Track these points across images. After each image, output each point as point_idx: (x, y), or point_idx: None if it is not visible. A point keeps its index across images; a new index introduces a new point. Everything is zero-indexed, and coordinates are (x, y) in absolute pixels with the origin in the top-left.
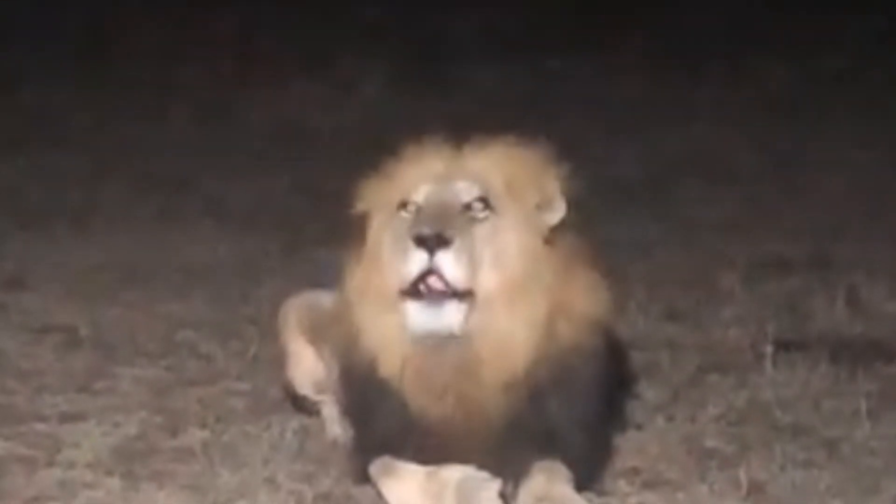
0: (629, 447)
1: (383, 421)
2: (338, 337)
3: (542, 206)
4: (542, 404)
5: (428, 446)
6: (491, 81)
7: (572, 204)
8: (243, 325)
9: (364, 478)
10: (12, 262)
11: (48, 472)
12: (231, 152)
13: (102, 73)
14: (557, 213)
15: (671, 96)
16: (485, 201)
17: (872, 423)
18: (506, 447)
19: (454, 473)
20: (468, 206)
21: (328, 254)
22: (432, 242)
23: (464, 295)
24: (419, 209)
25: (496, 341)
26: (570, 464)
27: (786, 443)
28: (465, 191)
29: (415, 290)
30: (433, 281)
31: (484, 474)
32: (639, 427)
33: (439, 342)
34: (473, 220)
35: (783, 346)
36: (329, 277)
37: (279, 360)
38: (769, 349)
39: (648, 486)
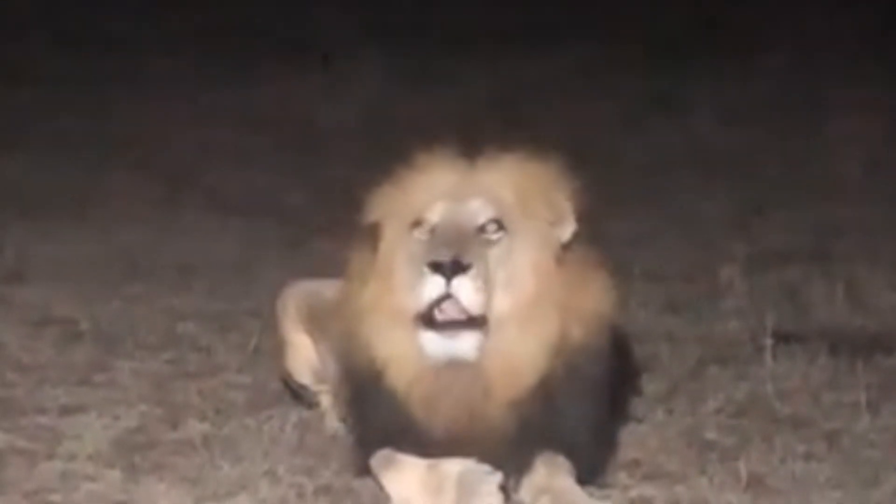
0: (629, 440)
1: (385, 418)
2: (339, 333)
3: (555, 222)
4: (550, 403)
5: (429, 445)
6: (492, 74)
7: (583, 218)
8: (244, 318)
9: (365, 470)
10: (12, 254)
11: (49, 465)
12: (231, 145)
13: (103, 66)
14: (568, 229)
15: (671, 90)
16: (498, 222)
17: (872, 415)
18: (510, 444)
19: (455, 466)
20: (482, 228)
21: (329, 246)
22: (449, 269)
23: (479, 322)
24: (433, 230)
25: (508, 362)
26: (574, 458)
27: (786, 435)
28: (480, 212)
29: (429, 318)
30: (448, 307)
31: (485, 467)
32: (639, 420)
33: (450, 363)
34: (488, 242)
35: (783, 338)
36: (330, 270)
37: (277, 350)
38: (769, 342)
39: (648, 478)
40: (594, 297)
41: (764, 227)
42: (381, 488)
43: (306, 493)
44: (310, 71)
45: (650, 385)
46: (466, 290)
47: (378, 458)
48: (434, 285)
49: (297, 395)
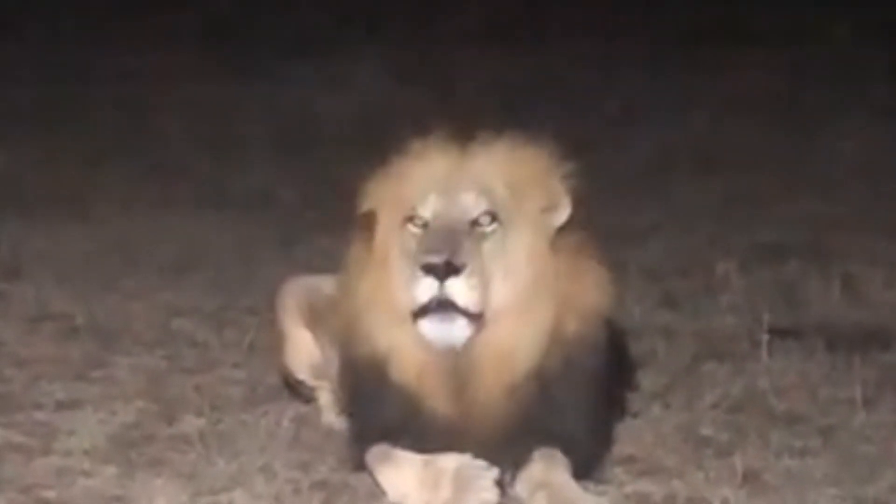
0: (625, 435)
1: (385, 414)
2: (338, 327)
3: (549, 208)
4: (546, 395)
5: (429, 436)
6: (488, 72)
7: (577, 202)
8: (240, 314)
9: (361, 466)
10: (9, 250)
11: (45, 460)
12: (228, 140)
13: (99, 61)
14: (563, 214)
15: (667, 85)
16: (492, 214)
17: (868, 410)
18: (509, 439)
19: (451, 462)
20: (475, 222)
21: (326, 242)
22: (441, 271)
23: (474, 317)
24: (426, 226)
25: (505, 350)
26: (570, 453)
27: (782, 430)
28: (473, 205)
29: (424, 310)
30: (443, 304)
31: (481, 463)
32: (635, 415)
33: (451, 350)
34: (482, 235)
35: (779, 334)
36: (327, 265)
37: (275, 345)
38: (765, 337)
39: (644, 473)
40: (590, 291)
41: (761, 222)
42: (378, 484)
43: (302, 489)
44: (307, 66)
45: (646, 380)
46: (460, 291)
47: (374, 454)
48: (427, 287)
49: (295, 390)
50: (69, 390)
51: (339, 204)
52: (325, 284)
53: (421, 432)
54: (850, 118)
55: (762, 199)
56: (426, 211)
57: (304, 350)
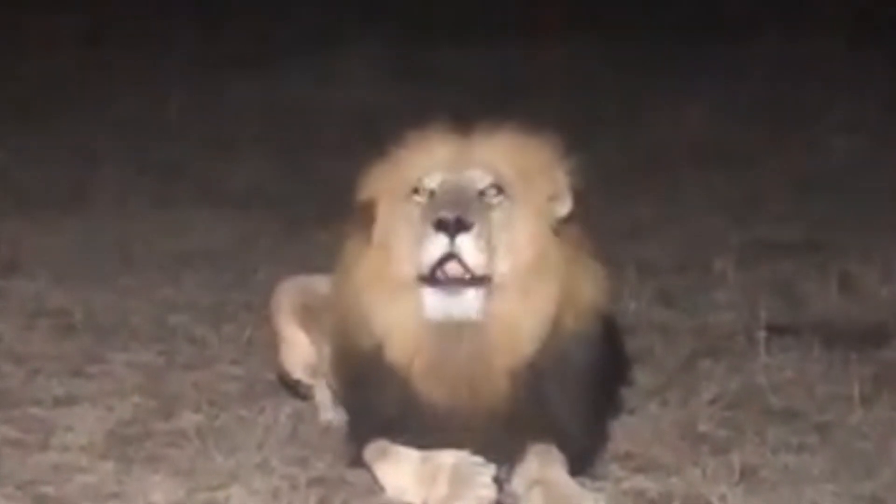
0: (622, 432)
1: (382, 404)
2: (334, 320)
3: (552, 198)
4: (543, 390)
5: (427, 429)
6: (484, 65)
7: (578, 197)
8: (237, 310)
9: (358, 462)
10: (6, 246)
11: (42, 456)
12: (225, 136)
13: (96, 57)
14: (565, 206)
15: (664, 80)
16: (498, 187)
17: (865, 407)
18: (505, 432)
19: (448, 458)
20: (482, 193)
21: (323, 238)
22: (453, 226)
23: (481, 280)
24: (433, 194)
25: (507, 327)
26: (566, 448)
27: (779, 427)
28: (479, 178)
29: (432, 277)
30: (451, 267)
31: (478, 459)
32: (632, 412)
33: (452, 329)
34: (489, 206)
35: (776, 330)
36: (323, 261)
37: (272, 345)
38: (762, 334)
39: (641, 470)
40: (587, 287)
41: (758, 218)
42: (375, 479)
43: (300, 485)
44: (303, 63)
45: (643, 377)
46: (470, 249)
47: (372, 450)
48: (438, 243)
49: (292, 390)
50: (66, 386)
51: (336, 200)
52: (320, 284)
53: (417, 419)
54: (849, 115)
55: (760, 196)
56: (432, 182)
57: (299, 350)
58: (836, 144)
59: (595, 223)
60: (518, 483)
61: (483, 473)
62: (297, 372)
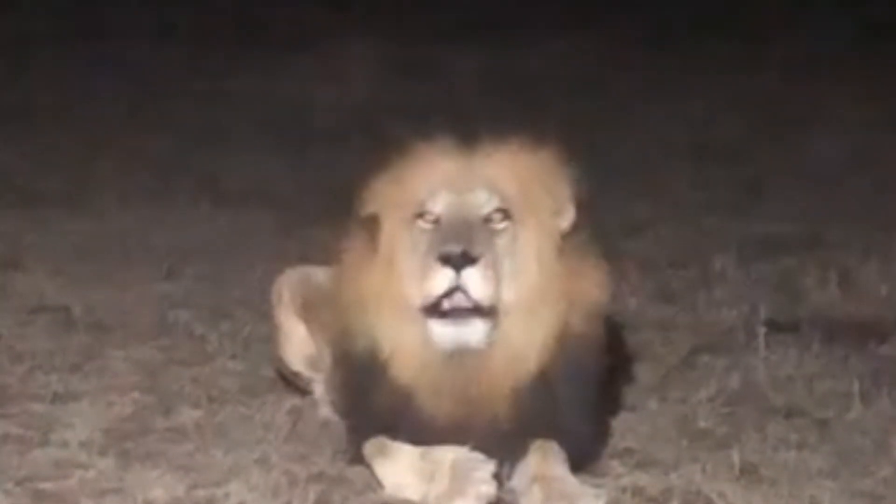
0: (622, 428)
1: (381, 407)
2: (334, 322)
3: (556, 211)
4: (547, 391)
5: (427, 434)
6: (484, 65)
7: (580, 204)
8: (236, 306)
9: (357, 458)
10: (5, 242)
11: (41, 452)
12: (224, 132)
13: (95, 52)
14: (568, 218)
15: (664, 77)
16: (504, 212)
17: (865, 404)
18: (507, 434)
19: (448, 454)
20: (487, 218)
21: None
22: (458, 261)
23: (487, 311)
24: (439, 221)
25: (513, 351)
26: (568, 446)
27: (778, 424)
28: (485, 202)
29: (438, 308)
30: (458, 298)
31: (478, 455)
32: (631, 408)
33: (457, 352)
34: (494, 232)
35: (776, 327)
36: (322, 257)
37: (271, 337)
38: (762, 330)
39: (641, 466)
40: (591, 288)
41: (757, 215)
42: (374, 476)
43: (299, 481)
44: (302, 59)
45: (643, 373)
46: (476, 282)
47: (371, 446)
48: (443, 277)
49: (291, 382)
50: (65, 382)
51: (334, 197)
52: (320, 276)
53: (419, 429)
54: (848, 111)
55: (759, 193)
56: (437, 206)
57: (299, 342)
58: (836, 141)
59: (595, 221)
60: (518, 479)
61: (483, 469)
62: (297, 364)
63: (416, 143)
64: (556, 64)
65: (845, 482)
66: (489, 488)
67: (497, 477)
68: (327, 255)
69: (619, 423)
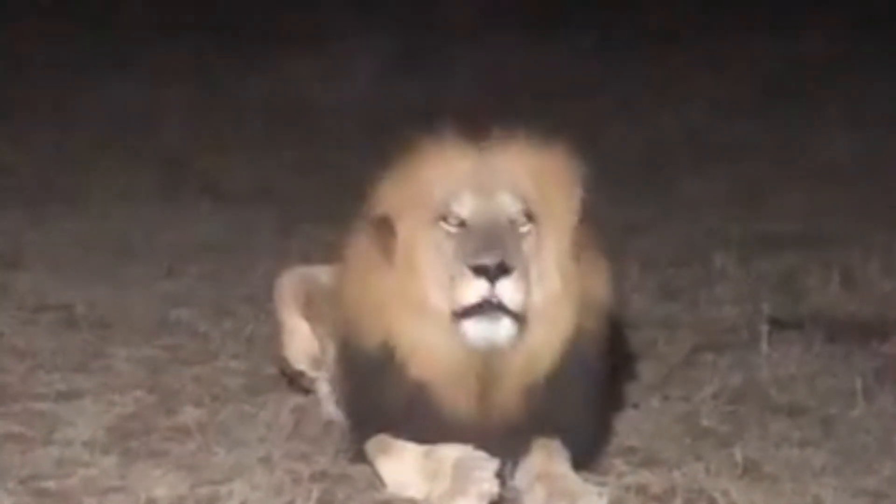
0: (625, 426)
1: (387, 404)
2: (341, 319)
3: (570, 211)
4: (554, 389)
5: (433, 431)
6: (485, 63)
7: (587, 201)
8: (239, 304)
9: (360, 456)
10: (7, 241)
11: (44, 451)
12: (227, 130)
13: (98, 50)
14: (578, 215)
15: (665, 75)
16: (528, 215)
17: (867, 401)
18: (513, 432)
19: (451, 453)
20: (513, 221)
21: (324, 232)
22: (494, 272)
23: (518, 317)
24: (465, 224)
25: (531, 352)
26: (572, 443)
27: (781, 421)
28: (509, 204)
29: (469, 311)
30: (490, 302)
31: (482, 454)
32: (634, 406)
33: (477, 353)
34: (521, 236)
35: (778, 324)
36: (325, 256)
37: (274, 336)
38: (764, 328)
39: (644, 464)
40: (597, 283)
41: (759, 212)
42: (377, 474)
43: (302, 479)
44: (304, 57)
45: (646, 371)
46: (510, 292)
47: (374, 444)
48: (477, 288)
49: (294, 382)
50: (68, 381)
51: (337, 195)
52: (322, 274)
53: (430, 427)
54: (850, 110)
55: (761, 190)
56: (462, 209)
57: (302, 340)
58: (838, 138)
59: (597, 220)
60: (521, 478)
61: (485, 468)
62: (300, 362)
63: (427, 141)
64: (557, 62)
65: (848, 480)
66: (491, 487)
67: (499, 475)
68: (330, 254)
69: (622, 422)
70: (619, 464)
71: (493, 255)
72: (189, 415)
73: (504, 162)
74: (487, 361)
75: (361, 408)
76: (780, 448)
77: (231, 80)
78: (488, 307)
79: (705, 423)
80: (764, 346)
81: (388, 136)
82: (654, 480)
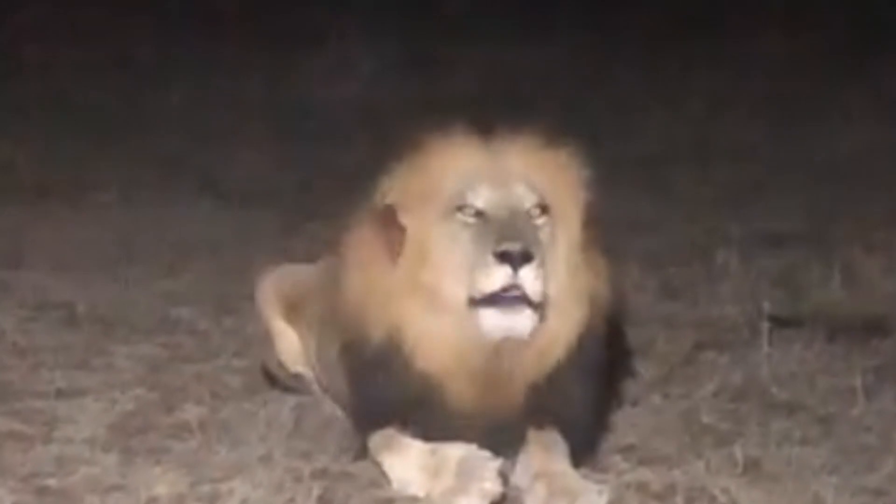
0: (625, 424)
1: (396, 395)
2: (342, 314)
3: (577, 206)
4: (557, 385)
5: (441, 422)
6: (487, 62)
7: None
8: (240, 302)
9: (363, 453)
10: (8, 239)
11: (45, 449)
12: (228, 128)
13: (99, 49)
14: (583, 210)
15: (666, 74)
16: (542, 206)
17: (868, 399)
18: (516, 426)
19: (455, 451)
20: (529, 213)
21: (325, 230)
22: (517, 258)
23: (536, 306)
24: (482, 215)
25: (542, 346)
26: (574, 440)
27: (781, 420)
28: (525, 196)
29: (490, 298)
30: (511, 291)
31: (485, 453)
32: (635, 403)
33: (489, 345)
34: (536, 228)
35: (779, 322)
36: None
37: (263, 342)
38: (765, 326)
39: (644, 462)
40: (598, 283)
41: (760, 210)
42: (380, 471)
43: (303, 477)
44: (305, 56)
45: (646, 369)
46: (531, 280)
47: (377, 440)
48: (501, 274)
49: (287, 386)
50: (69, 379)
51: (337, 192)
52: (303, 274)
53: (434, 419)
54: (850, 107)
55: (761, 188)
56: (479, 200)
57: (293, 342)
58: (839, 136)
59: (598, 218)
60: (521, 476)
61: (489, 467)
62: (297, 364)
63: (435, 136)
64: (559, 61)
65: (848, 478)
66: (494, 486)
67: (502, 474)
68: (328, 249)
69: (623, 419)
70: (618, 461)
71: (517, 242)
72: (190, 413)
73: (515, 155)
74: (498, 353)
75: (365, 401)
76: (781, 446)
77: (232, 78)
78: (509, 298)
79: (706, 420)
80: (764, 345)
81: (390, 136)
82: (653, 478)
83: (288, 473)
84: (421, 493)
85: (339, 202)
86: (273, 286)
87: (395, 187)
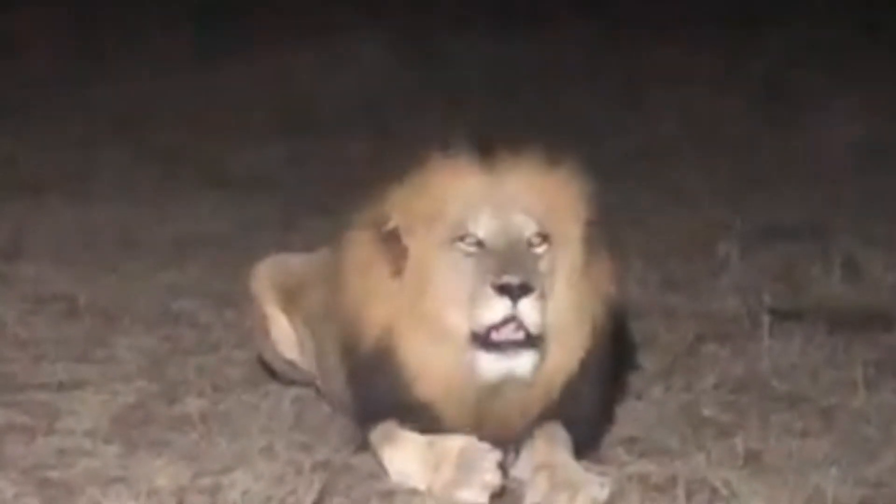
0: (627, 416)
1: (392, 394)
2: (340, 318)
3: (579, 232)
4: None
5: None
6: (488, 55)
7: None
8: (240, 295)
9: (363, 446)
10: (10, 231)
11: (46, 441)
12: (228, 121)
13: (98, 41)
14: (587, 233)
15: (667, 66)
16: (542, 236)
17: (869, 392)
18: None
19: (455, 443)
20: (529, 242)
21: (327, 223)
22: (517, 291)
23: (535, 340)
24: (482, 245)
25: (546, 377)
26: (574, 431)
27: (782, 412)
28: (525, 225)
29: (487, 338)
30: (508, 328)
31: (484, 445)
32: (636, 396)
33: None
34: (536, 258)
35: (780, 315)
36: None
37: (257, 332)
38: (766, 318)
39: (646, 454)
40: (603, 282)
41: (761, 203)
42: (380, 463)
43: (304, 470)
44: (307, 49)
45: (648, 362)
46: (531, 312)
47: (378, 433)
48: (500, 306)
49: (282, 376)
50: (71, 371)
51: (338, 186)
52: (297, 263)
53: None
54: (851, 100)
55: (763, 182)
56: (479, 230)
57: (288, 332)
58: (840, 129)
59: (600, 212)
60: (523, 467)
61: (488, 459)
62: (292, 352)
63: (439, 158)
64: (559, 54)
65: (849, 470)
66: (494, 478)
67: (502, 466)
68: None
69: (624, 411)
70: (620, 453)
71: (516, 274)
72: (191, 405)
73: (516, 182)
74: (499, 388)
75: (364, 401)
76: (782, 438)
77: (233, 71)
78: (508, 343)
79: (707, 413)
80: (765, 337)
81: (391, 127)
82: (655, 470)
83: (289, 466)
84: (421, 486)
85: (341, 195)
86: (268, 274)
87: (399, 208)
